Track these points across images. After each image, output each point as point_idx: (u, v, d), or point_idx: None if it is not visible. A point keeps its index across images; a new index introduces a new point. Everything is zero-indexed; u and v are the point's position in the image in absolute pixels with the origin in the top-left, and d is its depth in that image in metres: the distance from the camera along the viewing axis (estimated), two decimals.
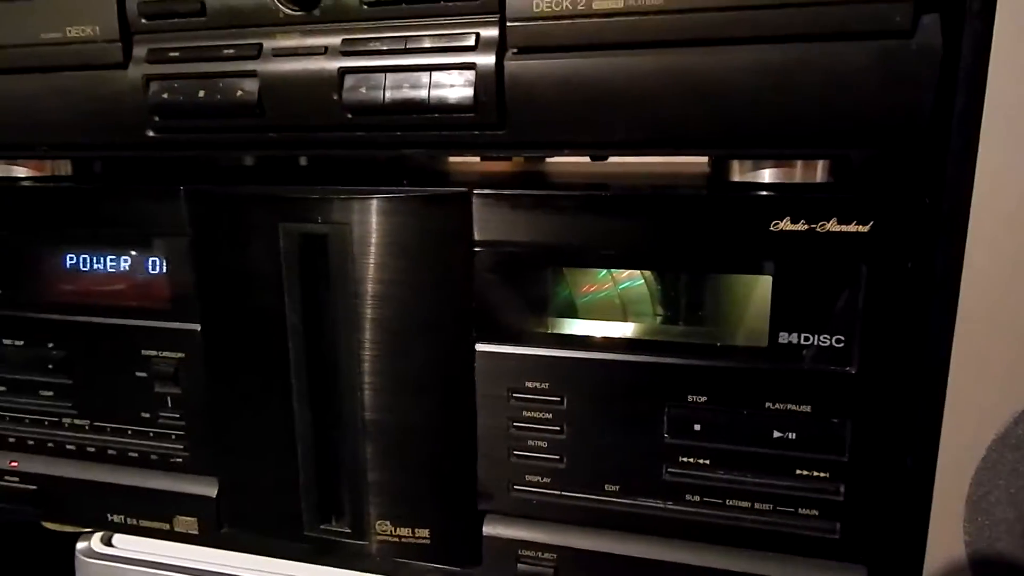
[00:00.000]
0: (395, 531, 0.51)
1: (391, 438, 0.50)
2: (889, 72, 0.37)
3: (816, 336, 0.42)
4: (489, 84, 0.42)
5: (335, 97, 0.45)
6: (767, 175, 0.43)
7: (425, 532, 0.51)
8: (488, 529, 0.50)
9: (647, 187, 0.45)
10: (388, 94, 0.44)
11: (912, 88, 0.37)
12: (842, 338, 0.42)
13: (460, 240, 0.46)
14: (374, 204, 0.47)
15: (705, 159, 0.51)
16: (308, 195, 0.48)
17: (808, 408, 0.43)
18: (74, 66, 0.50)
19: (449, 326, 0.48)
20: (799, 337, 0.42)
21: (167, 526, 0.58)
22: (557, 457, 0.48)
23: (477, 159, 0.62)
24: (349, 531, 0.52)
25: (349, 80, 0.44)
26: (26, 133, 0.53)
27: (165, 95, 0.48)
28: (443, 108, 0.43)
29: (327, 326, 0.49)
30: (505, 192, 0.45)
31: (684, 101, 0.40)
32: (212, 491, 0.56)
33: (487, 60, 0.42)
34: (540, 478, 0.48)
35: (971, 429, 0.40)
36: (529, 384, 0.47)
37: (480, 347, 0.48)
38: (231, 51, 0.47)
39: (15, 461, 0.61)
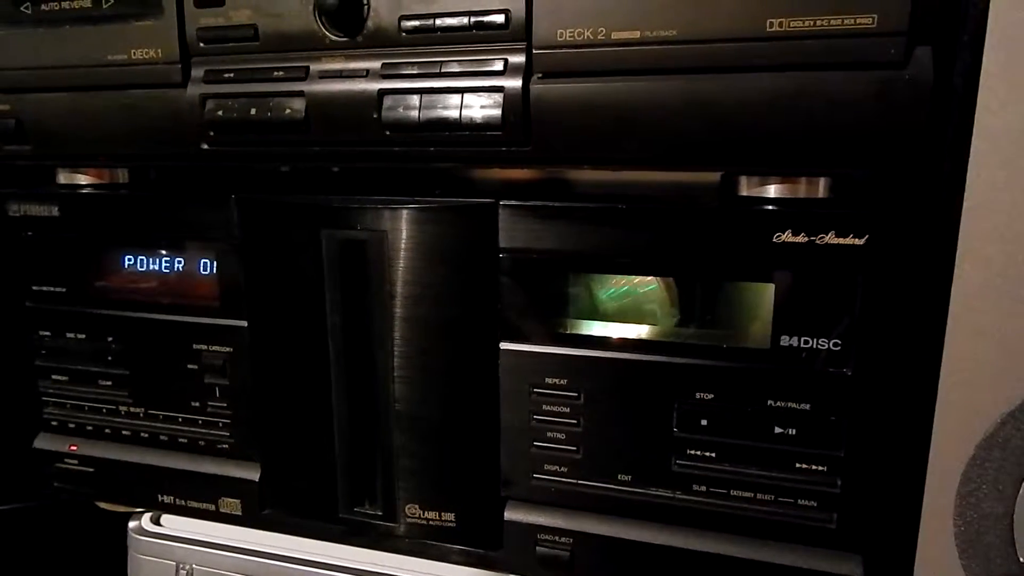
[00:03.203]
0: (423, 514, 0.56)
1: (421, 428, 0.54)
2: (884, 100, 0.40)
3: (815, 340, 0.45)
4: (516, 105, 0.46)
5: (375, 116, 0.49)
6: (772, 190, 0.46)
7: (451, 516, 0.55)
8: (509, 514, 0.54)
9: (660, 200, 0.48)
10: (423, 113, 0.48)
11: (905, 114, 0.40)
12: (839, 342, 0.45)
13: (486, 247, 0.50)
14: (409, 213, 0.51)
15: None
16: (349, 204, 0.52)
17: (807, 406, 0.46)
18: (137, 85, 0.54)
19: (475, 326, 0.52)
20: (799, 340, 0.46)
21: (212, 507, 0.63)
22: (574, 448, 0.51)
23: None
24: (380, 514, 0.57)
25: (388, 100, 0.49)
26: (91, 145, 0.58)
27: (220, 112, 0.52)
28: (473, 127, 0.47)
29: (364, 325, 0.54)
30: (529, 204, 0.49)
31: (696, 123, 0.43)
32: (255, 475, 0.61)
33: (514, 84, 0.46)
34: (558, 467, 0.52)
35: (961, 428, 0.43)
36: (549, 380, 0.51)
37: (504, 346, 0.51)
38: (280, 73, 0.51)
39: (74, 445, 0.66)
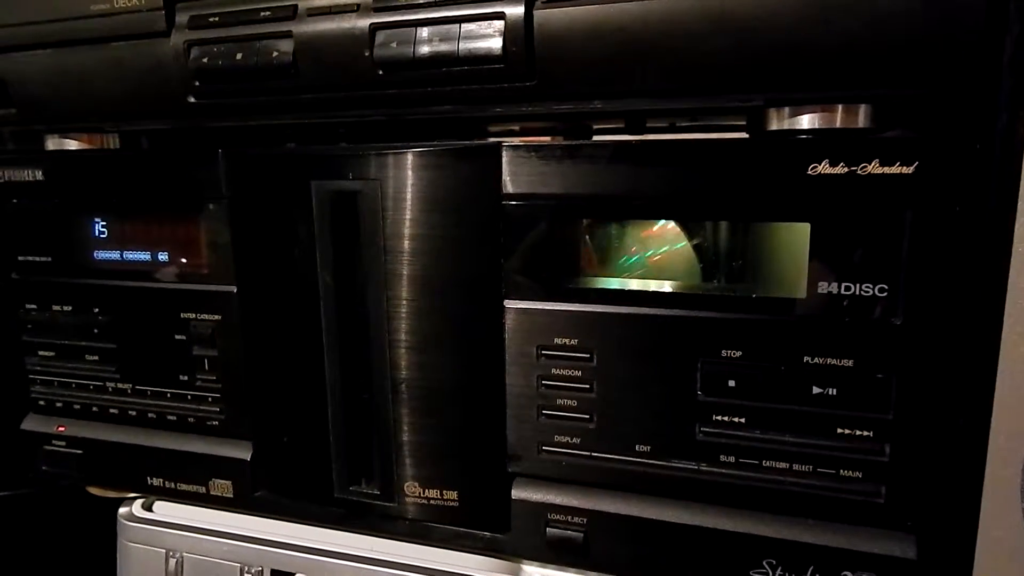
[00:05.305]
0: (423, 493, 0.51)
1: (420, 397, 0.50)
2: (933, 6, 0.36)
3: (858, 285, 0.40)
4: (518, 34, 0.42)
5: (366, 54, 0.45)
6: (806, 121, 0.42)
7: (453, 494, 0.50)
8: (517, 492, 0.49)
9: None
10: (418, 48, 0.44)
11: (959, 22, 0.36)
12: (885, 287, 0.40)
13: (490, 194, 0.46)
14: (404, 159, 0.47)
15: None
16: (339, 152, 0.48)
17: (850, 362, 0.41)
18: (121, 36, 0.52)
19: (478, 282, 0.47)
20: (839, 287, 0.40)
21: (203, 489, 0.59)
22: (587, 416, 0.46)
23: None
24: (378, 493, 0.52)
25: (380, 36, 0.45)
26: (78, 105, 0.55)
27: (205, 60, 0.49)
28: (472, 60, 0.43)
29: (359, 284, 0.50)
30: (535, 143, 0.45)
31: (722, 44, 0.39)
32: (246, 454, 0.57)
33: (516, 9, 0.42)
34: (569, 439, 0.47)
35: None
36: (558, 340, 0.46)
37: (509, 303, 0.47)
38: (267, 13, 0.48)
39: (63, 426, 0.63)
